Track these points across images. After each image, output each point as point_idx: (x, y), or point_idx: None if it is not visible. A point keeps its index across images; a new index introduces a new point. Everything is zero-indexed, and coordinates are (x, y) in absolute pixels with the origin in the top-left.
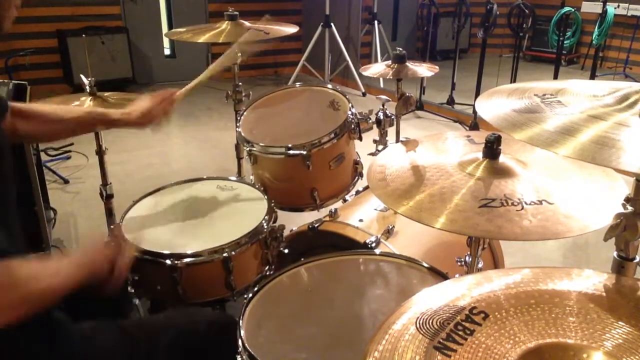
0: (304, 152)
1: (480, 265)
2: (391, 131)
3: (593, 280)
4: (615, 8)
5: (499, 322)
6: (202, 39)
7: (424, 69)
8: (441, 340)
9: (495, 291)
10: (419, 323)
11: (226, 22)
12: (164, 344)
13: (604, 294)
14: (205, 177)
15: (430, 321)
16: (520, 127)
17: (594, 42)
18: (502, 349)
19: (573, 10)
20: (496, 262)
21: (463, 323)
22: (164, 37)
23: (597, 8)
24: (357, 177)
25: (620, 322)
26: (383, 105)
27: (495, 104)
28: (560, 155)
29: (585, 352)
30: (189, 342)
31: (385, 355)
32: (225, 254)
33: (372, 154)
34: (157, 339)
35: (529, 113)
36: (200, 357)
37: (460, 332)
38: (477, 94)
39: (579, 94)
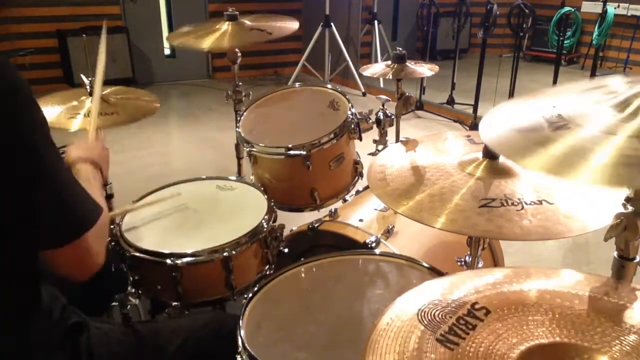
0: (304, 152)
1: (480, 265)
2: (391, 131)
3: (597, 283)
4: (615, 8)
5: (501, 319)
6: (206, 44)
7: (424, 69)
8: (443, 333)
9: (498, 288)
10: (421, 315)
11: (226, 22)
12: (172, 348)
13: (608, 297)
14: (205, 177)
15: (433, 313)
16: (528, 154)
17: (594, 42)
18: (504, 345)
19: (573, 10)
20: (496, 262)
21: (465, 317)
22: (164, 37)
23: (597, 8)
24: (357, 177)
25: (623, 326)
26: (383, 105)
27: (500, 127)
28: (579, 183)
29: (587, 353)
30: (196, 345)
31: (388, 342)
32: (225, 254)
33: (372, 154)
34: (166, 343)
35: (533, 134)
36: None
37: (463, 327)
38: (477, 94)
39: (580, 101)
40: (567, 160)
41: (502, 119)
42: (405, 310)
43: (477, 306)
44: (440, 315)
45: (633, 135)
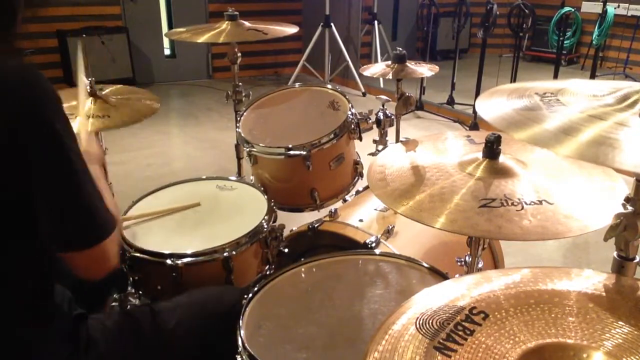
0: (304, 153)
1: (480, 265)
2: (391, 131)
3: (593, 280)
4: (615, 8)
5: (499, 322)
6: (202, 39)
7: (424, 69)
8: (441, 341)
9: (495, 291)
10: (419, 323)
11: (226, 22)
12: (171, 325)
13: (603, 293)
14: (205, 177)
15: (430, 321)
16: (521, 126)
17: (594, 42)
18: (502, 349)
19: (573, 10)
20: (496, 262)
21: (463, 323)
22: (164, 37)
23: (597, 8)
24: (357, 177)
25: (620, 322)
26: (383, 105)
27: (495, 104)
28: (560, 155)
29: (585, 352)
30: (194, 322)
31: (385, 355)
32: (225, 254)
33: (372, 154)
34: (164, 321)
35: (529, 111)
36: (210, 335)
37: (460, 332)
38: (477, 94)
39: (580, 94)
40: (555, 135)
41: (499, 99)
42: (404, 319)
43: (474, 311)
44: (438, 323)
45: (619, 122)
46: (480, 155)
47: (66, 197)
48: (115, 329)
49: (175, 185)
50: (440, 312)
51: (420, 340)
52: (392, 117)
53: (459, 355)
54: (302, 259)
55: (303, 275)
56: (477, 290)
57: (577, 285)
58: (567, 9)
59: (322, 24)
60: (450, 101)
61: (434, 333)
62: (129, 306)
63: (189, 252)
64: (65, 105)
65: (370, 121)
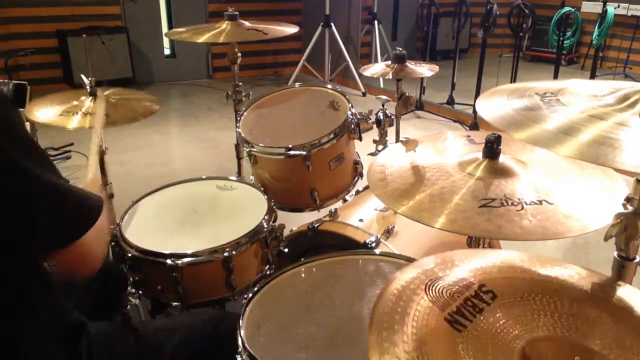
0: (304, 153)
1: None
2: (391, 131)
3: (591, 279)
4: (615, 8)
5: (507, 307)
6: (202, 39)
7: (424, 69)
8: (451, 313)
9: (503, 272)
10: (428, 288)
11: (226, 22)
12: (171, 346)
13: (603, 293)
14: (205, 177)
15: (440, 290)
16: (521, 126)
17: (594, 42)
18: (509, 334)
19: (573, 10)
20: None
21: (472, 299)
22: (164, 37)
23: (597, 8)
24: (357, 177)
25: (619, 321)
26: (383, 105)
27: (495, 104)
28: (560, 155)
29: (588, 353)
30: (194, 343)
31: (395, 317)
32: (225, 254)
33: (372, 154)
34: (165, 341)
35: (529, 111)
36: (207, 357)
37: (470, 309)
38: (477, 94)
39: (580, 94)
40: (555, 135)
41: (499, 99)
42: (413, 280)
43: (484, 289)
44: (447, 293)
45: (619, 122)
46: (480, 155)
47: (33, 204)
48: (119, 344)
49: (175, 185)
50: (450, 281)
51: (431, 308)
52: (392, 117)
53: (468, 332)
54: (302, 259)
55: (303, 275)
56: (486, 267)
57: (586, 283)
58: (567, 9)
59: (322, 23)
60: (450, 101)
61: (444, 303)
62: (129, 305)
63: (189, 252)
64: (65, 106)
65: (370, 121)
